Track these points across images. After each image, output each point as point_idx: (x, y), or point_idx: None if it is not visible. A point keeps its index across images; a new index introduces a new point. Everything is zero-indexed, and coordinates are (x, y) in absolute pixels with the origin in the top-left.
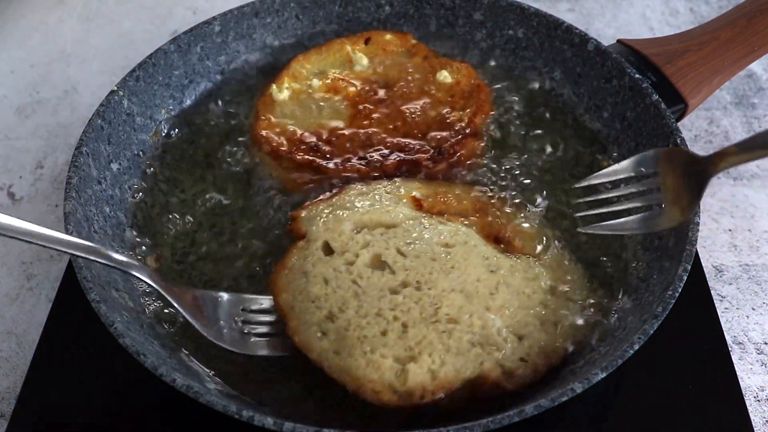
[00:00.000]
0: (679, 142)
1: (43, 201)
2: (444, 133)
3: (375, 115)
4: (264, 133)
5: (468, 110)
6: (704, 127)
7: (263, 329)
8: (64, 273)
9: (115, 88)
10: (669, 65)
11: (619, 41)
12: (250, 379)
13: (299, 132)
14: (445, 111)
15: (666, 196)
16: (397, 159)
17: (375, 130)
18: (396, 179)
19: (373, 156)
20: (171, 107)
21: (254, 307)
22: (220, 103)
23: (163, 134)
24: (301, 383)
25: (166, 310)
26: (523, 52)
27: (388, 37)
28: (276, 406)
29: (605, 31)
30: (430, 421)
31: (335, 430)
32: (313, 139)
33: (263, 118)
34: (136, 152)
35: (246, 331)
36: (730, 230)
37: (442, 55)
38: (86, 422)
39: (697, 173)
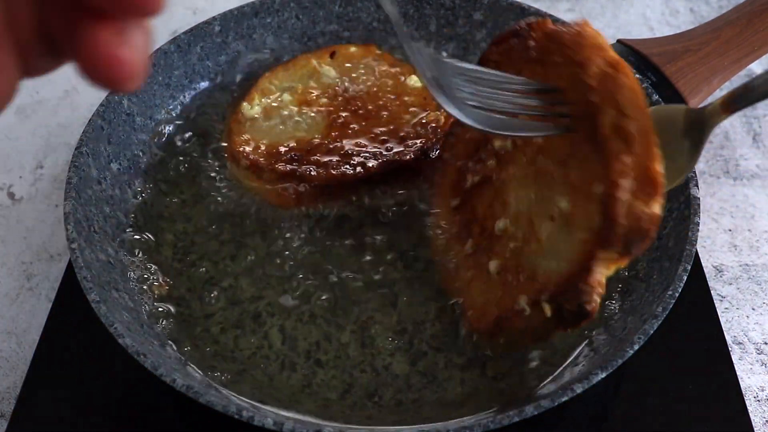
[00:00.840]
0: None
1: (43, 201)
2: (422, 133)
3: (351, 124)
4: (241, 148)
5: (442, 110)
6: None
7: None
8: (64, 273)
9: None
10: (669, 65)
11: (619, 41)
12: (248, 378)
13: (276, 145)
14: (419, 113)
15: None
16: (380, 161)
17: (353, 136)
18: None
19: (355, 160)
20: (171, 107)
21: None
22: (220, 104)
23: (164, 134)
24: (301, 382)
25: (161, 308)
26: None
27: (353, 49)
28: (275, 405)
29: (605, 31)
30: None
31: (335, 430)
32: (292, 150)
33: (238, 134)
34: (136, 152)
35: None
36: (730, 230)
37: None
38: (86, 422)
39: (695, 127)
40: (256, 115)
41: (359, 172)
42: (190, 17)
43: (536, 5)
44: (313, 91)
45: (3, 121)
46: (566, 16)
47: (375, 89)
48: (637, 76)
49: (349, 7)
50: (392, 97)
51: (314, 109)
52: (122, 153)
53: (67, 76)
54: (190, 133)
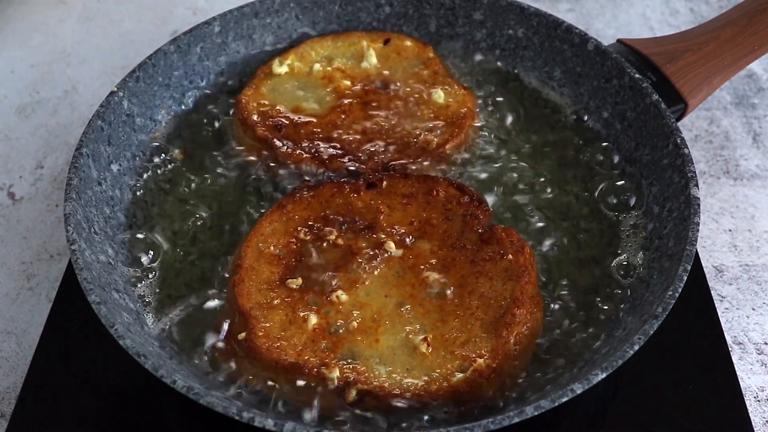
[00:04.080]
0: (679, 142)
1: (43, 201)
2: (403, 150)
3: (352, 114)
4: (244, 99)
5: (443, 135)
6: (704, 127)
7: None
8: (64, 273)
9: (115, 89)
10: (669, 65)
11: (619, 41)
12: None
13: (274, 108)
14: (420, 128)
15: None
16: (345, 162)
17: (344, 126)
18: None
19: (327, 150)
20: (171, 108)
21: None
22: (219, 103)
23: (163, 135)
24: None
25: (161, 308)
26: (523, 52)
27: (408, 43)
28: (275, 407)
29: (605, 31)
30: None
31: (335, 430)
32: (282, 118)
33: (253, 85)
34: (136, 153)
35: None
36: (730, 230)
37: (451, 74)
38: (86, 423)
39: None
40: (282, 74)
41: (322, 163)
42: (190, 17)
43: (536, 5)
44: (343, 71)
45: (3, 121)
46: (566, 16)
47: (400, 90)
48: (637, 76)
49: (349, 7)
50: (409, 103)
51: (331, 88)
52: (122, 154)
53: (67, 76)
54: (189, 134)
